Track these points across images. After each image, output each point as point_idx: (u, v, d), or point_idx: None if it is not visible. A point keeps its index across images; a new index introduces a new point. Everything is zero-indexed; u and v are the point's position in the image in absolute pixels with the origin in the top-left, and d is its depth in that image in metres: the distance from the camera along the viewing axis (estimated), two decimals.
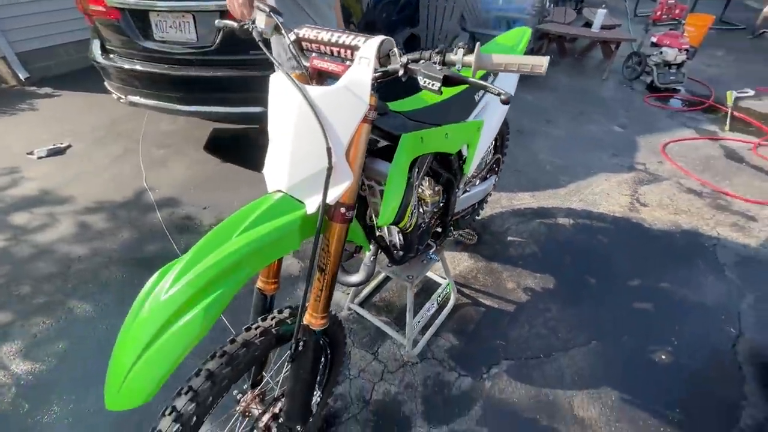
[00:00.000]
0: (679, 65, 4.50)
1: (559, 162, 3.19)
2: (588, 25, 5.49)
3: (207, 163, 3.05)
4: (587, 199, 2.75)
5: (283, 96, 0.89)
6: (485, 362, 1.71)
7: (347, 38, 0.87)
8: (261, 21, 0.98)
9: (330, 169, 0.82)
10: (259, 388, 1.17)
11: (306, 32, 0.94)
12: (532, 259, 2.23)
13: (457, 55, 0.77)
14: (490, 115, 1.58)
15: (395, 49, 0.83)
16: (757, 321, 1.91)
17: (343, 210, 0.91)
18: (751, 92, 4.52)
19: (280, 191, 0.92)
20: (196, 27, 2.32)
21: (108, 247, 2.25)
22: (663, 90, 4.55)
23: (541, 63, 0.72)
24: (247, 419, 1.17)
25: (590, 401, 1.57)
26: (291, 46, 0.93)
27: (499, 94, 0.76)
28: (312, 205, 0.89)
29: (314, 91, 0.83)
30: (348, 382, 1.63)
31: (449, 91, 1.36)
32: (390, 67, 0.84)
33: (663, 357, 1.74)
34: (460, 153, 1.47)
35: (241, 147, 3.28)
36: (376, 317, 1.86)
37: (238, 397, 1.15)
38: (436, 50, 0.80)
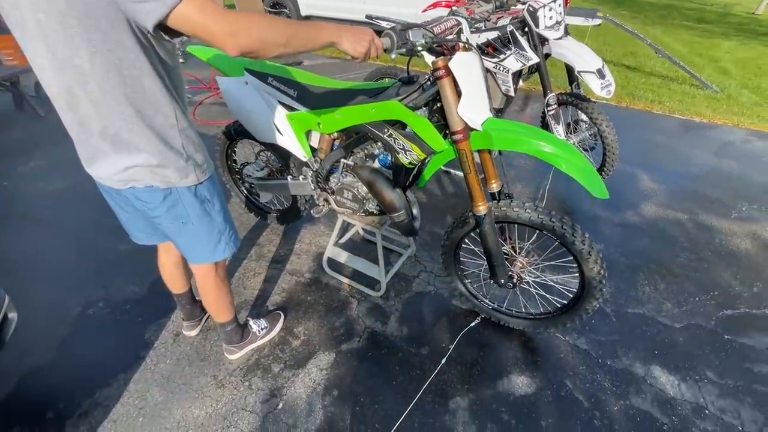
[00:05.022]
0: None
1: None
2: None
3: None
4: None
5: (468, 64, 1.41)
6: None
7: (449, 23, 1.44)
8: (414, 35, 1.25)
9: (489, 88, 1.47)
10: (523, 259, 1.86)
11: (436, 29, 1.38)
12: None
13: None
14: None
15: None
16: None
17: None
18: None
19: (485, 120, 1.45)
20: None
21: None
22: None
23: None
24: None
25: None
26: (427, 39, 1.33)
27: None
28: (492, 113, 1.49)
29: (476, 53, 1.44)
30: None
31: None
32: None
33: None
34: None
35: None
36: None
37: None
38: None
